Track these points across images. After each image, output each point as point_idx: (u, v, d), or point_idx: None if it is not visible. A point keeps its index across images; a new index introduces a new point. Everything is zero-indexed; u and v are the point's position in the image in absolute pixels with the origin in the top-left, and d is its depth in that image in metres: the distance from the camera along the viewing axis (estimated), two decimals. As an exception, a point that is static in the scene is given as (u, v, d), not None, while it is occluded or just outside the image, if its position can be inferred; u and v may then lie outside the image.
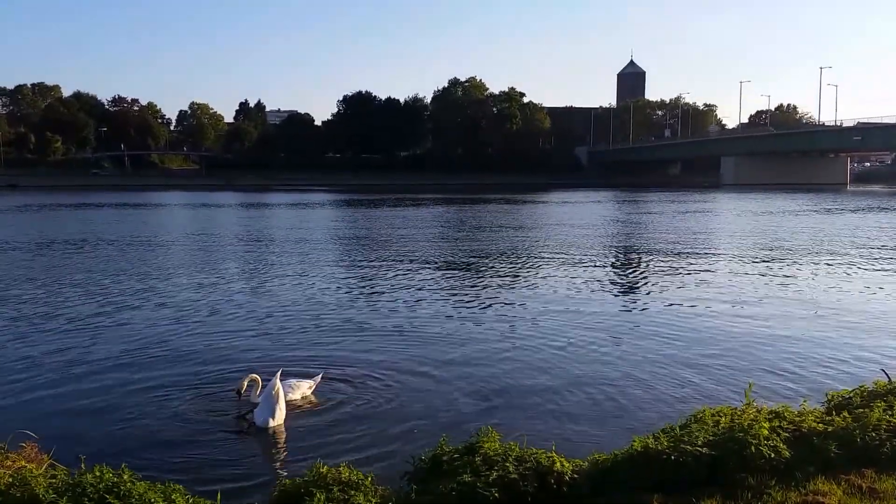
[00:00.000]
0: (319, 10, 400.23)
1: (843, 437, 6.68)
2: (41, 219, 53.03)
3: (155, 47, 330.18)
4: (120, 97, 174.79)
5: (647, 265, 26.19)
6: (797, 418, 7.06)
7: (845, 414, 7.15)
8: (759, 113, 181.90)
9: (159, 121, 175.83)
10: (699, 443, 6.33)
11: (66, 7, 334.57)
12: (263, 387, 9.65)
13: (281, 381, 9.51)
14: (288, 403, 9.77)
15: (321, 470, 6.15)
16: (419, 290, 20.16)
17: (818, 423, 6.95)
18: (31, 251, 30.45)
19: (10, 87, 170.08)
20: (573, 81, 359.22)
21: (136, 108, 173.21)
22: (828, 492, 6.08)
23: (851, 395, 7.98)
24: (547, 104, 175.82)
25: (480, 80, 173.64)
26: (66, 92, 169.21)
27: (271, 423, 9.17)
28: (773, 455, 6.35)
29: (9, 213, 59.60)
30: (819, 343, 13.84)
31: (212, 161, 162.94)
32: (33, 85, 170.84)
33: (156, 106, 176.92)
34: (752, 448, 6.31)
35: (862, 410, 7.21)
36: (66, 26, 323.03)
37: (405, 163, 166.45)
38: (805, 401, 7.92)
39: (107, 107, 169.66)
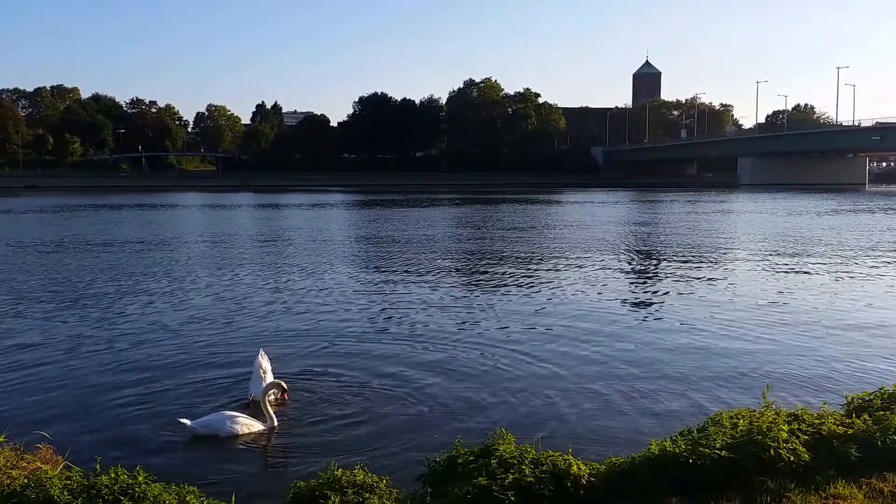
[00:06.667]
0: (335, 13, 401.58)
1: (864, 440, 6.58)
2: (58, 220, 53.33)
3: (173, 50, 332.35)
4: (138, 99, 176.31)
5: (667, 267, 26.05)
6: (816, 421, 6.97)
7: (865, 416, 7.05)
8: (775, 113, 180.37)
9: (177, 122, 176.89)
10: (717, 446, 6.26)
11: (84, 10, 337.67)
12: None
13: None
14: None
15: (336, 472, 6.12)
16: (435, 291, 20.11)
17: (838, 425, 6.86)
18: (48, 252, 30.62)
19: (30, 89, 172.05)
20: (588, 82, 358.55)
21: (153, 110, 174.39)
22: (848, 496, 6.00)
23: (871, 397, 7.87)
24: (562, 105, 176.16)
25: (496, 80, 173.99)
26: (85, 94, 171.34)
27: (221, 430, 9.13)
28: (792, 458, 6.27)
29: (28, 214, 60.04)
30: (838, 345, 13.68)
31: (228, 162, 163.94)
32: (52, 87, 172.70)
33: (173, 108, 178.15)
34: (771, 451, 6.23)
35: (883, 413, 7.11)
36: (84, 29, 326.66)
37: (420, 163, 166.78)
38: (824, 403, 7.82)
39: (125, 109, 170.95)
